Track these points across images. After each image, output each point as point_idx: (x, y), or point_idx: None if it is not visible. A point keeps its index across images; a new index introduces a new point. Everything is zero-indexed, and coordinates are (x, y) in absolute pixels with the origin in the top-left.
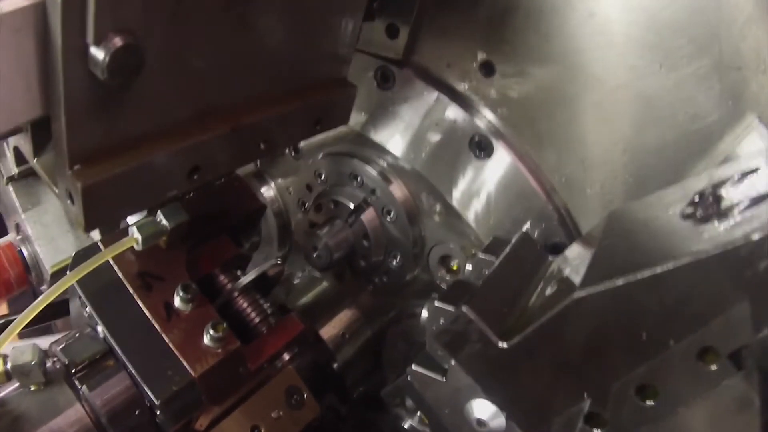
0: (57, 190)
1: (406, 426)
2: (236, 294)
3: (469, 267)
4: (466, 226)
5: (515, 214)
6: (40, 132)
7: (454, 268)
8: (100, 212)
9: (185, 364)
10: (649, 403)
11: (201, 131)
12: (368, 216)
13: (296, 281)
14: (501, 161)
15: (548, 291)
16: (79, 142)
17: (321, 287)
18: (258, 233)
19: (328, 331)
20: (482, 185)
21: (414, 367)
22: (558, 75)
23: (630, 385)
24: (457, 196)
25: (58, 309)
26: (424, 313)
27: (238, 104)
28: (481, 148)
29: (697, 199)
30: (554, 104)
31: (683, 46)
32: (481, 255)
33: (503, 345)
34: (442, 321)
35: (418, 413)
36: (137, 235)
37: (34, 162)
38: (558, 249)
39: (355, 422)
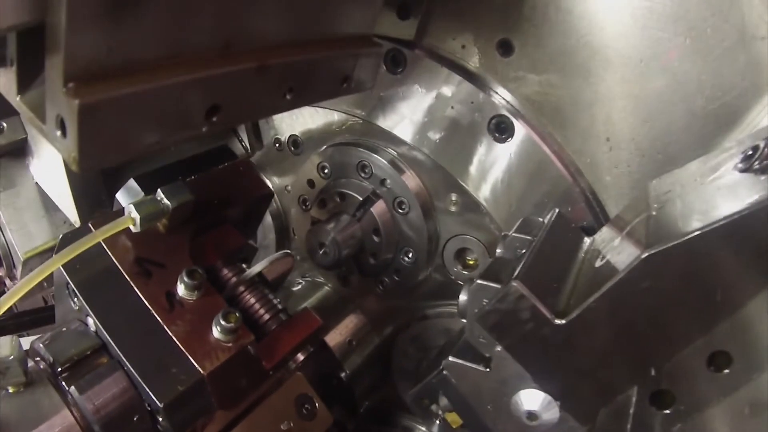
0: (45, 127)
1: None
2: (243, 287)
3: (499, 250)
4: (485, 216)
5: (538, 199)
6: (27, 61)
7: (471, 262)
8: (98, 144)
9: (192, 360)
10: (724, 372)
11: (224, 64)
12: (378, 209)
13: (296, 288)
14: (522, 143)
15: (597, 263)
16: (79, 53)
17: (324, 292)
18: (254, 238)
19: (334, 338)
20: (502, 170)
21: (451, 358)
22: (581, 52)
23: (700, 355)
24: (475, 183)
25: (40, 317)
26: (463, 297)
27: (265, 43)
28: (501, 130)
29: (750, 153)
30: (577, 82)
31: (707, 18)
32: (514, 233)
33: (560, 322)
34: (485, 302)
35: (438, 421)
36: (135, 215)
37: (17, 99)
38: (586, 233)
39: None
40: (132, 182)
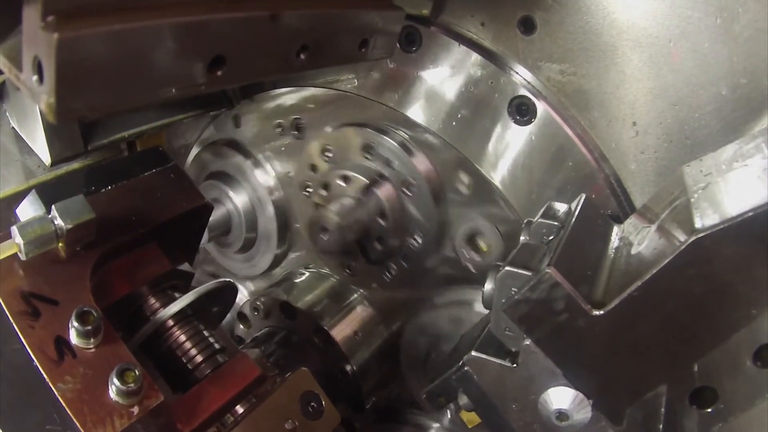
0: (22, 76)
1: None
2: (171, 322)
3: (524, 237)
4: (500, 200)
5: (560, 185)
6: (4, 7)
7: (484, 248)
8: (78, 90)
9: (81, 429)
10: None
11: (233, 9)
12: (385, 191)
13: (299, 279)
14: (544, 126)
15: (633, 251)
16: None
17: (329, 283)
18: (254, 229)
19: (341, 331)
20: (523, 154)
21: (474, 353)
22: (606, 30)
23: (746, 350)
24: (492, 167)
25: None
26: (488, 285)
27: None
28: (522, 112)
29: None
30: (603, 62)
31: None
32: (540, 219)
33: (597, 313)
34: (513, 291)
35: (448, 416)
36: (19, 240)
37: None
38: (613, 220)
39: None
40: (33, 194)
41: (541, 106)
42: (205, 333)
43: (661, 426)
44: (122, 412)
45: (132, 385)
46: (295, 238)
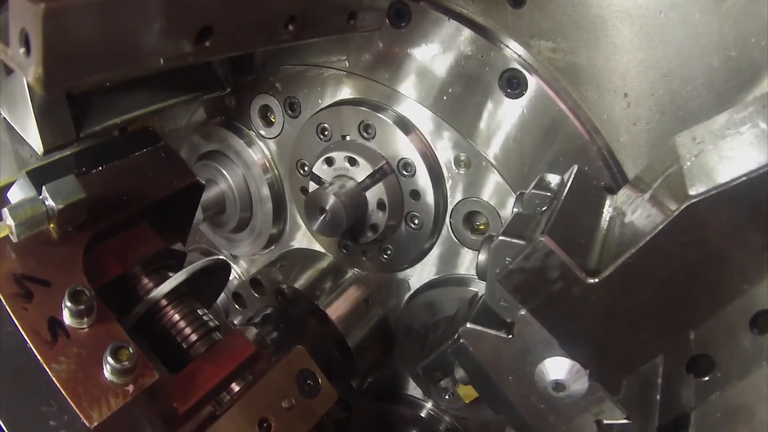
0: (9, 50)
1: (423, 414)
2: (165, 301)
3: (517, 209)
4: (495, 176)
5: (552, 158)
6: None
7: (481, 227)
8: (65, 60)
9: (75, 409)
10: None
11: None
12: (386, 174)
13: (294, 258)
14: (536, 99)
15: (627, 219)
16: None
17: (325, 261)
18: (248, 209)
19: (337, 311)
20: (514, 127)
21: (469, 324)
22: (595, 2)
23: (742, 316)
24: (484, 142)
25: None
26: (482, 256)
27: None
28: (513, 85)
29: None
30: (593, 34)
31: None
32: (533, 190)
33: (592, 281)
34: (507, 261)
35: (449, 393)
36: (10, 221)
37: None
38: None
39: (365, 415)
40: (24, 176)
41: (532, 80)
42: (200, 312)
43: (658, 396)
44: (117, 392)
45: (126, 363)
46: (290, 217)
